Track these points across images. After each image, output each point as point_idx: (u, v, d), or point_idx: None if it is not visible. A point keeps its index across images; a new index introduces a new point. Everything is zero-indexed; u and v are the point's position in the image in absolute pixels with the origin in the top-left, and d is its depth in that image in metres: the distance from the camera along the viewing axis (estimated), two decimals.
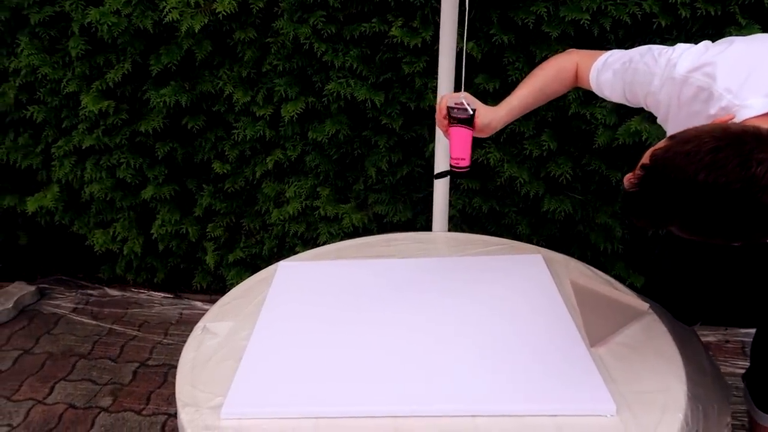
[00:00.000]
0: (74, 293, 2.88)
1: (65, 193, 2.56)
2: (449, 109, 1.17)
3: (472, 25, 1.94)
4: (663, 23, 1.75)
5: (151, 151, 2.38)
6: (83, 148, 2.35)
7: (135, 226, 2.59)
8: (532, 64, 1.93)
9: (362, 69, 2.02)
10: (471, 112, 1.16)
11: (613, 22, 1.78)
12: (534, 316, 1.20)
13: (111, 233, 2.61)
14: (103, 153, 2.41)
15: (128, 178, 2.40)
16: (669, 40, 1.78)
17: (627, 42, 1.86)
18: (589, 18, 1.77)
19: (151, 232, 2.54)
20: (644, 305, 1.22)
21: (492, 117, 1.20)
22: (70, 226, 2.70)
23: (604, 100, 1.89)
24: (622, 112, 1.94)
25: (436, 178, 1.45)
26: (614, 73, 1.16)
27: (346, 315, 1.25)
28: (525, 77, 1.29)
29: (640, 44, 1.80)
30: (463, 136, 1.16)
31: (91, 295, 2.87)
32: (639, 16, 1.76)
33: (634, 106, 1.19)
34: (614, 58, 1.17)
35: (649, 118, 1.93)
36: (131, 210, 2.58)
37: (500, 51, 1.95)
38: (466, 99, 1.17)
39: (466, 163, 1.19)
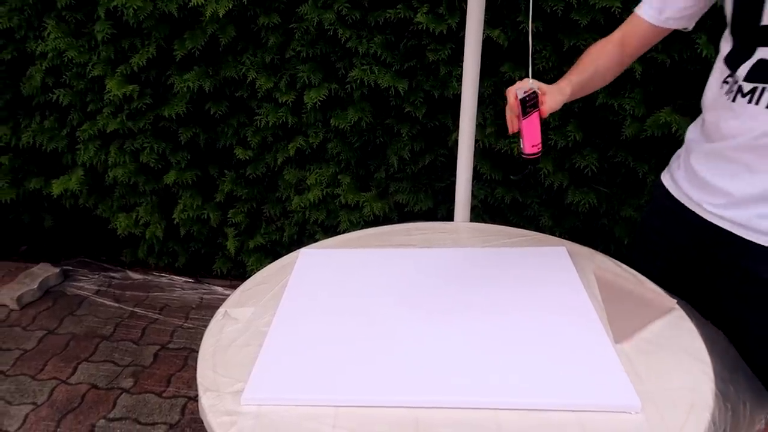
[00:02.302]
0: (97, 275, 2.92)
1: (89, 177, 2.59)
2: (522, 101, 1.14)
3: (499, 12, 1.90)
4: None
5: (174, 136, 2.39)
6: (107, 132, 2.37)
7: (157, 210, 2.61)
8: (560, 53, 1.89)
9: (386, 56, 2.00)
10: (537, 92, 1.13)
11: None
12: (558, 310, 1.18)
13: (134, 217, 2.63)
14: (126, 137, 2.43)
15: (151, 163, 2.41)
16: (705, 28, 1.73)
17: None
18: (621, 5, 1.72)
19: (173, 216, 2.56)
20: (672, 301, 1.19)
21: (558, 97, 1.15)
22: (94, 210, 2.74)
23: (633, 90, 1.85)
24: (652, 103, 1.90)
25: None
26: None
27: (366, 304, 1.24)
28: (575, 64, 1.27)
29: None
30: (537, 121, 1.14)
31: (114, 277, 2.91)
32: None
33: None
34: None
35: (680, 109, 1.88)
36: (154, 194, 2.60)
37: (527, 39, 1.91)
38: (534, 84, 1.14)
39: (540, 147, 1.16)
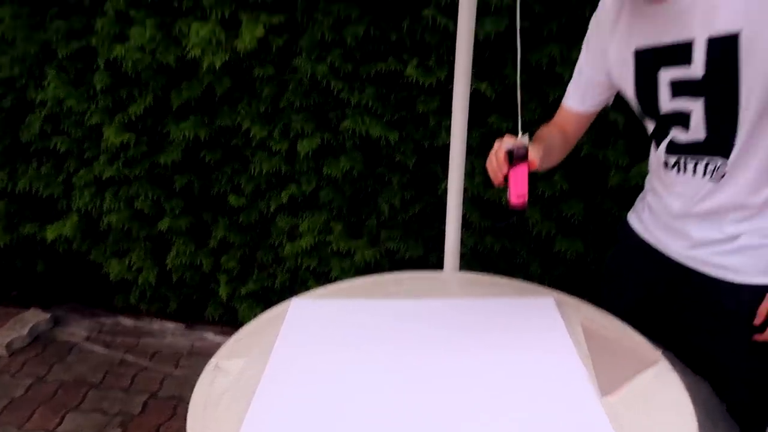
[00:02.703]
0: (88, 321, 2.90)
1: (84, 222, 2.61)
2: (510, 153, 1.18)
3: (486, 66, 1.97)
4: None
5: (169, 183, 2.42)
6: (103, 178, 2.40)
7: (150, 256, 2.62)
8: (545, 104, 1.95)
9: (377, 107, 2.05)
10: (527, 145, 1.17)
11: None
12: (545, 364, 1.18)
13: (127, 262, 2.64)
14: (122, 184, 2.45)
15: (146, 209, 2.43)
16: None
17: None
18: None
19: (166, 262, 2.56)
20: (656, 353, 1.21)
21: (539, 152, 1.20)
22: (87, 255, 2.74)
23: (617, 142, 1.90)
24: (635, 153, 1.95)
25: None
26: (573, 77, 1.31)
27: (355, 358, 1.24)
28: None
29: None
30: (524, 172, 1.17)
31: (104, 323, 2.89)
32: None
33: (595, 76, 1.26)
34: None
35: None
36: (147, 240, 2.61)
37: (514, 91, 1.96)
38: (524, 139, 1.18)
39: (526, 198, 1.18)
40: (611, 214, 2.03)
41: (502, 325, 1.34)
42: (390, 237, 2.29)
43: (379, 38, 1.98)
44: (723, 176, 1.10)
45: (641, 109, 1.19)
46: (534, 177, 2.04)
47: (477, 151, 2.07)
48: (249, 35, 1.97)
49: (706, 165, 1.12)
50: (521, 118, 1.31)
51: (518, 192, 1.19)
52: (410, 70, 1.94)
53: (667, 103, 1.12)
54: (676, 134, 1.15)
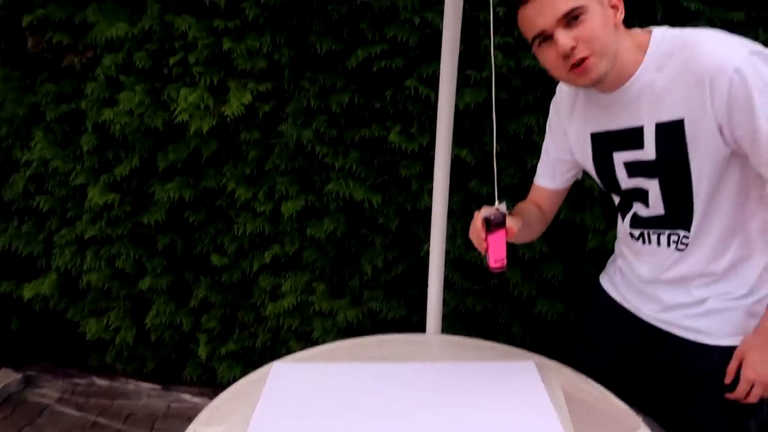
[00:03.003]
0: (61, 381, 2.82)
1: (63, 281, 2.58)
2: (486, 219, 1.23)
3: (466, 133, 2.04)
4: None
5: (151, 243, 2.42)
6: (85, 238, 2.39)
7: (129, 315, 2.59)
8: (523, 170, 2.02)
9: (361, 171, 2.10)
10: (505, 213, 1.23)
11: None
12: (525, 428, 1.19)
13: (104, 322, 2.60)
14: (104, 243, 2.45)
15: (127, 269, 2.42)
16: None
17: None
18: None
19: (145, 322, 2.53)
20: (637, 419, 1.21)
21: (517, 224, 1.26)
22: (64, 314, 2.70)
23: (593, 207, 1.96)
24: (611, 217, 2.01)
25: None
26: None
27: (337, 424, 1.24)
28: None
29: None
30: (501, 238, 1.23)
31: (78, 384, 2.81)
32: None
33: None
34: None
35: None
36: (127, 299, 2.58)
37: (493, 157, 2.03)
38: (501, 206, 1.24)
39: (505, 262, 1.25)
40: (590, 277, 2.07)
41: (484, 388, 1.34)
42: (372, 297, 2.30)
43: (363, 106, 2.05)
44: (686, 246, 1.16)
45: (603, 185, 1.27)
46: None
47: (458, 214, 2.12)
48: (237, 102, 2.02)
49: (669, 236, 1.18)
50: (498, 185, 1.38)
51: (496, 257, 1.24)
52: (393, 137, 2.00)
53: (625, 181, 1.19)
54: (638, 209, 1.22)
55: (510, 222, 1.24)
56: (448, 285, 2.18)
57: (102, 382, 2.81)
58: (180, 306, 2.53)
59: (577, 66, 1.05)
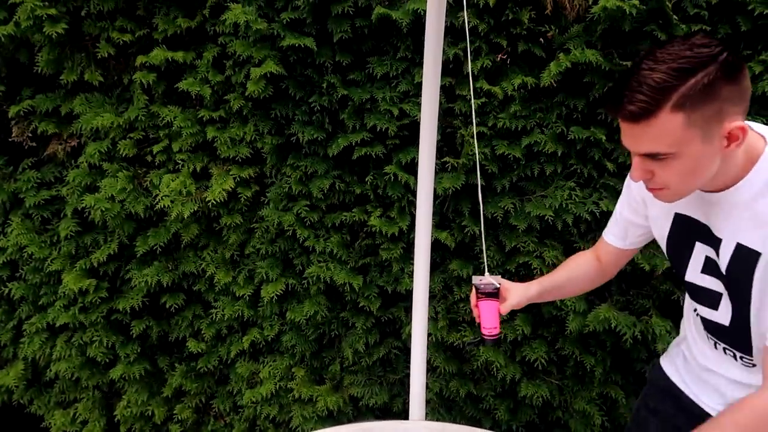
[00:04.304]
0: None
1: (29, 371, 2.47)
2: (475, 287, 1.30)
3: (445, 217, 2.09)
4: None
5: (126, 329, 2.35)
6: (57, 325, 2.32)
7: (98, 406, 2.47)
8: (502, 252, 2.05)
9: (342, 254, 2.12)
10: (497, 286, 1.28)
11: (574, 218, 1.94)
12: None
13: (71, 414, 2.48)
14: (76, 330, 2.38)
15: (98, 357, 2.34)
16: None
17: (589, 235, 2.01)
18: (553, 214, 1.93)
19: (115, 413, 2.42)
20: None
21: (522, 293, 1.29)
22: (28, 406, 2.56)
23: None
24: (591, 298, 2.03)
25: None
26: (615, 211, 1.30)
27: None
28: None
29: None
30: (491, 308, 1.27)
31: None
32: (597, 213, 1.93)
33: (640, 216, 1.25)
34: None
35: (617, 304, 2.02)
36: (96, 389, 2.48)
37: (472, 240, 2.08)
38: (494, 279, 1.30)
39: (497, 331, 1.29)
40: (573, 359, 2.07)
41: None
42: (354, 383, 2.25)
43: (344, 191, 2.10)
44: (754, 366, 1.09)
45: (671, 265, 1.21)
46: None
47: (439, 296, 2.13)
48: (219, 187, 2.05)
49: (735, 353, 1.12)
50: (486, 258, 1.41)
51: (486, 324, 1.27)
52: (373, 221, 2.04)
53: (696, 275, 1.12)
54: (701, 309, 1.15)
55: (514, 293, 1.28)
56: (431, 368, 2.15)
57: None
58: (153, 395, 2.43)
59: (650, 188, 1.01)
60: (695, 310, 1.18)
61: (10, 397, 2.55)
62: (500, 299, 1.30)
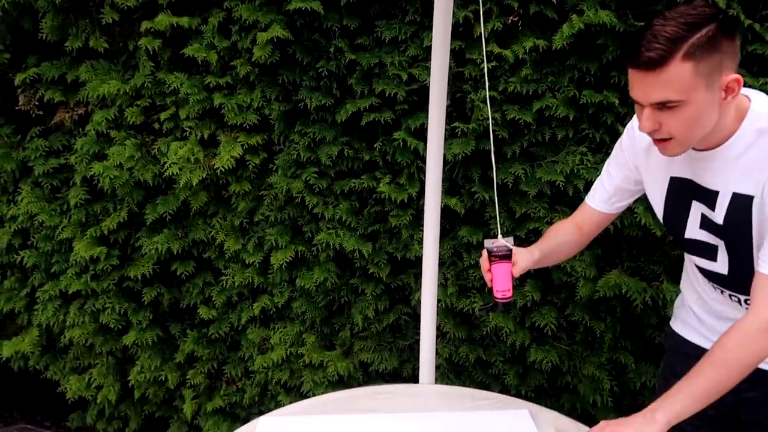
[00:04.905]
0: None
1: (44, 338, 2.51)
2: (488, 250, 1.29)
3: (454, 183, 2.07)
4: None
5: (137, 296, 2.38)
6: (69, 292, 2.35)
7: (112, 372, 2.52)
8: (512, 218, 2.04)
9: (351, 221, 2.11)
10: (510, 248, 1.28)
11: (585, 183, 1.92)
12: None
13: (86, 379, 2.52)
14: (88, 297, 2.40)
15: (111, 323, 2.37)
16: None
17: None
18: (564, 180, 1.91)
19: (129, 378, 2.46)
20: None
21: (528, 257, 1.30)
22: (44, 372, 2.62)
23: (583, 254, 1.98)
24: (601, 264, 2.03)
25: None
26: (600, 177, 1.36)
27: None
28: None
29: None
30: (504, 270, 1.27)
31: None
32: None
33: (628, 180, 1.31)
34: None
35: (628, 270, 2.01)
36: (110, 355, 2.52)
37: (482, 206, 2.07)
38: (507, 242, 1.30)
39: (510, 294, 1.29)
40: (583, 324, 2.07)
41: None
42: (363, 348, 2.27)
43: (352, 158, 2.08)
44: None
45: (666, 227, 1.28)
46: None
47: (448, 263, 2.13)
48: (227, 155, 2.04)
49: (740, 298, 1.19)
50: (498, 221, 1.44)
51: (498, 288, 1.28)
52: (383, 187, 2.03)
53: (695, 231, 1.20)
54: (700, 261, 1.22)
55: (521, 257, 1.28)
56: (440, 334, 2.16)
57: None
58: (165, 361, 2.47)
59: (657, 139, 1.08)
60: (697, 265, 1.25)
61: (26, 363, 2.60)
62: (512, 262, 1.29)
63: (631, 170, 1.30)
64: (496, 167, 2.00)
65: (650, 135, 1.08)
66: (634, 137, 1.27)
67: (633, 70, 1.03)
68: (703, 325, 1.31)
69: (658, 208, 1.27)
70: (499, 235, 1.32)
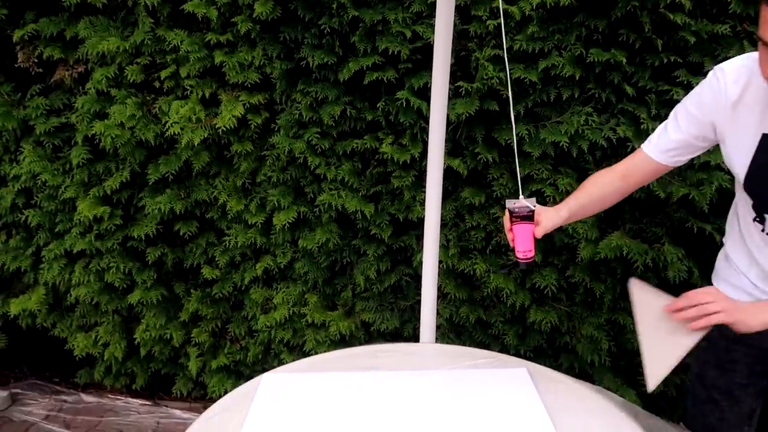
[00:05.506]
0: (48, 399, 2.77)
1: (50, 296, 2.55)
2: (509, 210, 1.29)
3: (458, 144, 2.05)
4: (636, 146, 1.87)
5: (141, 256, 2.40)
6: (74, 252, 2.37)
7: (118, 330, 2.56)
8: (515, 179, 2.03)
9: (353, 182, 2.11)
10: (532, 209, 1.27)
11: (590, 144, 1.90)
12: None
13: (93, 337, 2.57)
14: (93, 257, 2.42)
15: (116, 282, 2.40)
16: None
17: (604, 162, 1.97)
18: (568, 141, 1.89)
19: (134, 336, 2.50)
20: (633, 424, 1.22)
21: (554, 217, 1.29)
22: (51, 329, 2.66)
23: None
24: (603, 226, 2.02)
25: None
26: (664, 126, 1.29)
27: None
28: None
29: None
30: (526, 231, 1.27)
31: (66, 401, 2.76)
32: (614, 140, 1.88)
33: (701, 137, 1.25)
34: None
35: (629, 233, 2.00)
36: (116, 314, 2.56)
37: (485, 167, 2.05)
38: (529, 202, 1.29)
39: (531, 254, 1.29)
40: (583, 286, 2.08)
41: (477, 395, 1.35)
42: (365, 308, 2.29)
43: (355, 118, 2.06)
44: None
45: (746, 185, 1.20)
46: (507, 248, 2.10)
47: (450, 225, 2.13)
48: (228, 114, 2.03)
49: None
50: (520, 181, 1.40)
51: (520, 248, 1.28)
52: (385, 148, 2.01)
53: None
54: None
55: (545, 216, 1.27)
56: (441, 295, 2.18)
57: (90, 399, 2.77)
58: (170, 319, 2.50)
59: None
60: (766, 231, 1.18)
61: (33, 321, 2.65)
62: (534, 222, 1.29)
63: (705, 126, 1.22)
64: (498, 129, 1.99)
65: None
66: (720, 91, 1.18)
67: None
68: (759, 289, 1.28)
69: (741, 166, 1.18)
70: (521, 196, 1.31)
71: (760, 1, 0.97)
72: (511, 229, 1.29)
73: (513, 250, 1.29)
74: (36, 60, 2.23)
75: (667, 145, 1.28)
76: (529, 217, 1.27)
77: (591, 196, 1.35)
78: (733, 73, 1.17)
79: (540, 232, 1.26)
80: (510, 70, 1.90)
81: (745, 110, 1.14)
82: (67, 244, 2.38)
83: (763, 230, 1.22)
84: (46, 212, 2.40)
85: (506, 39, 1.89)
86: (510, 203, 1.30)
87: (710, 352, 1.39)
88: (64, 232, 2.42)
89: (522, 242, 1.28)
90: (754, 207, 1.22)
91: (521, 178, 2.00)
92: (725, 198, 1.82)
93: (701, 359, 1.41)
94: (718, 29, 1.79)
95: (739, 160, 1.18)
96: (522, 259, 1.29)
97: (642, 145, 1.33)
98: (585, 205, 1.34)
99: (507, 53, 1.89)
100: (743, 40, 1.80)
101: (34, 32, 2.16)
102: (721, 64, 1.20)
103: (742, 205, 1.27)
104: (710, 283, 1.43)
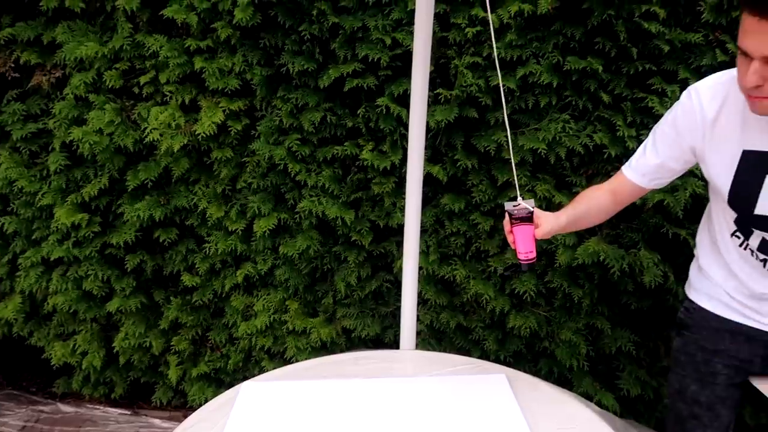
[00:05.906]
0: (24, 409, 2.72)
1: (27, 304, 2.51)
2: (509, 213, 1.29)
3: (437, 151, 2.07)
4: (613, 153, 1.91)
5: (120, 263, 2.37)
6: (51, 259, 2.34)
7: (97, 338, 2.53)
8: (494, 186, 2.05)
9: (334, 188, 2.11)
10: (531, 210, 1.28)
11: (567, 151, 1.92)
12: None
13: (71, 346, 2.53)
14: (71, 264, 2.39)
15: (95, 290, 2.37)
16: (618, 168, 1.92)
17: (581, 168, 2.00)
18: (546, 147, 1.91)
19: (113, 345, 2.47)
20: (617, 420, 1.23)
21: (554, 222, 1.30)
22: (28, 338, 2.62)
23: None
24: (581, 232, 2.05)
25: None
26: (644, 147, 1.31)
27: None
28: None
29: (593, 171, 1.94)
30: (527, 232, 1.27)
31: (43, 411, 2.72)
32: (591, 146, 1.91)
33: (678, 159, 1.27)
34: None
35: (606, 238, 2.03)
36: (94, 322, 2.52)
37: (465, 173, 2.07)
38: (527, 204, 1.30)
39: (533, 255, 1.29)
40: (562, 291, 2.10)
41: (456, 402, 1.35)
42: (346, 315, 2.29)
43: (335, 124, 2.07)
44: None
45: (730, 201, 1.20)
46: (486, 254, 2.11)
47: (430, 231, 2.14)
48: (208, 120, 2.02)
49: None
50: (517, 182, 1.42)
51: (521, 249, 1.29)
52: (366, 154, 2.02)
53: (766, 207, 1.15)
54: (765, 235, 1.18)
55: (545, 220, 1.28)
56: (421, 301, 2.19)
57: (68, 409, 2.73)
58: (150, 328, 2.48)
59: (754, 97, 1.04)
60: (763, 240, 1.19)
61: (10, 329, 2.60)
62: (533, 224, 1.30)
63: (684, 150, 1.24)
64: (476, 137, 2.00)
65: (750, 91, 1.03)
66: (694, 111, 1.20)
67: (751, 17, 0.94)
68: (746, 308, 1.29)
69: (724, 183, 1.19)
70: (519, 198, 1.32)
71: (741, 10, 0.98)
72: (511, 231, 1.29)
73: (515, 252, 1.30)
74: (12, 65, 2.20)
75: (645, 168, 1.31)
76: (528, 218, 1.28)
77: (581, 209, 1.37)
78: (708, 92, 1.19)
79: (540, 235, 1.27)
80: (488, 77, 1.92)
81: (725, 127, 1.16)
82: (45, 252, 2.35)
83: (741, 245, 1.24)
84: (23, 219, 2.37)
85: (485, 47, 1.91)
86: (509, 205, 1.31)
87: (690, 367, 1.40)
88: (41, 240, 2.38)
89: (523, 243, 1.28)
90: (737, 221, 1.23)
91: (499, 185, 2.03)
92: (699, 204, 1.85)
93: (680, 374, 1.43)
94: (692, 38, 1.83)
95: (720, 178, 1.20)
96: (524, 260, 1.30)
97: (623, 167, 1.36)
98: (579, 217, 1.36)
99: (485, 61, 1.92)
100: (716, 48, 1.84)
101: (11, 37, 2.14)
102: (694, 84, 1.21)
103: (718, 219, 1.28)
104: (684, 289, 1.46)
